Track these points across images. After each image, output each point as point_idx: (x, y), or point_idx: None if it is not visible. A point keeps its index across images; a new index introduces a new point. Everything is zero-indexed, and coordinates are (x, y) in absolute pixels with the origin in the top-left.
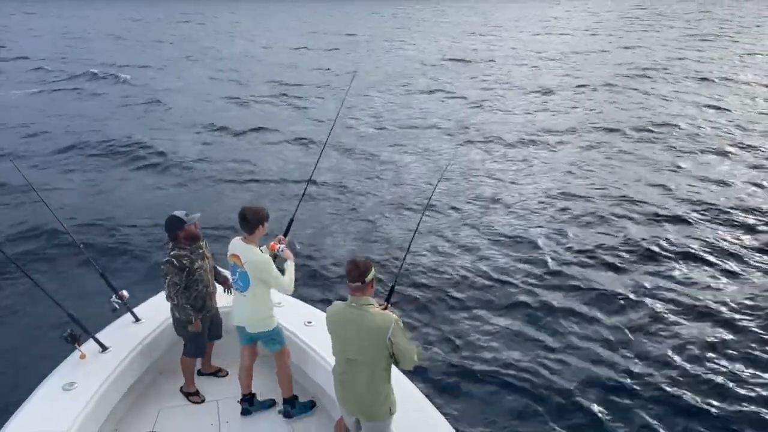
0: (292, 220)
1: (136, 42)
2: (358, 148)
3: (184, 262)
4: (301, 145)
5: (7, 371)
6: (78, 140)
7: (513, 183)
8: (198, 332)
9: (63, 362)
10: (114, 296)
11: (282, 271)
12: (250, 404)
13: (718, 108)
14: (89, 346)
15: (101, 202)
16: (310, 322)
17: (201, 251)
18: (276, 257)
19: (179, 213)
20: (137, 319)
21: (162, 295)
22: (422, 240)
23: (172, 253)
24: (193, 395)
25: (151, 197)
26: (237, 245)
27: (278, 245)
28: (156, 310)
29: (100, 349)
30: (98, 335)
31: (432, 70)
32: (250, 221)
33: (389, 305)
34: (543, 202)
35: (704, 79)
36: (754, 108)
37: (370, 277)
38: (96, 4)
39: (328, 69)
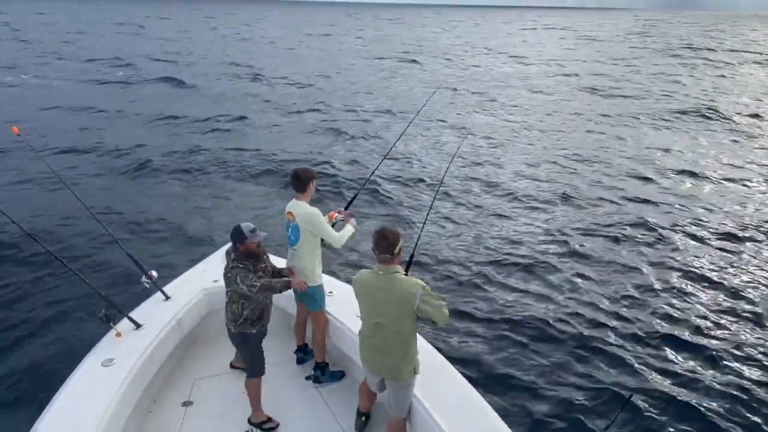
0: (355, 196)
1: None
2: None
3: (249, 266)
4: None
5: (49, 351)
6: (102, 126)
7: (519, 167)
8: (259, 348)
9: (100, 341)
10: (144, 276)
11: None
12: (304, 353)
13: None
14: (124, 325)
15: (125, 186)
16: (331, 293)
17: (263, 266)
18: (333, 225)
19: (245, 226)
20: (167, 297)
21: (189, 273)
22: (439, 212)
23: (235, 262)
24: (266, 422)
25: (175, 179)
26: (291, 204)
27: (336, 215)
28: (184, 288)
29: (134, 327)
30: (131, 314)
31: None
32: (303, 179)
33: (409, 274)
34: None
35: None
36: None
37: (398, 248)
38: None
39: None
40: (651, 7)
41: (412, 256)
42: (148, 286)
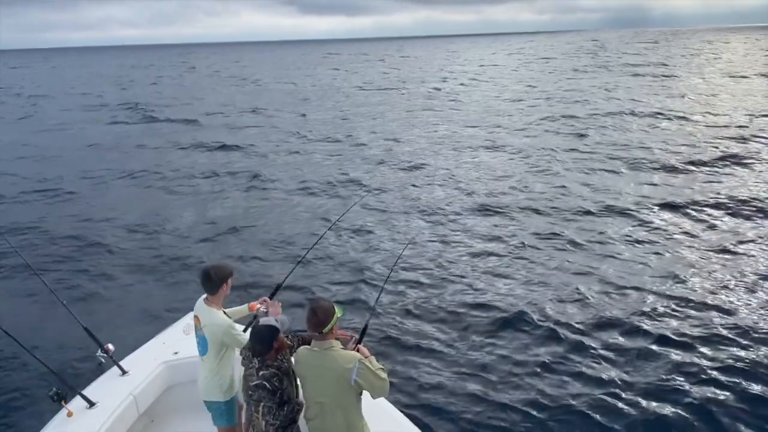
0: (280, 284)
1: None
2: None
3: (276, 383)
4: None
5: None
6: (54, 186)
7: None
8: None
9: (50, 421)
10: (99, 350)
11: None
12: None
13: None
14: (76, 403)
15: (79, 253)
16: None
17: (286, 362)
18: (255, 317)
19: (269, 320)
20: (124, 372)
21: (147, 346)
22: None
23: (261, 373)
24: None
25: (131, 246)
26: (199, 306)
27: (259, 306)
28: (143, 361)
29: (88, 405)
30: (85, 391)
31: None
32: (214, 280)
33: (360, 344)
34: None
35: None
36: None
37: (328, 327)
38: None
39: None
40: (604, 27)
41: (366, 326)
42: (103, 360)
